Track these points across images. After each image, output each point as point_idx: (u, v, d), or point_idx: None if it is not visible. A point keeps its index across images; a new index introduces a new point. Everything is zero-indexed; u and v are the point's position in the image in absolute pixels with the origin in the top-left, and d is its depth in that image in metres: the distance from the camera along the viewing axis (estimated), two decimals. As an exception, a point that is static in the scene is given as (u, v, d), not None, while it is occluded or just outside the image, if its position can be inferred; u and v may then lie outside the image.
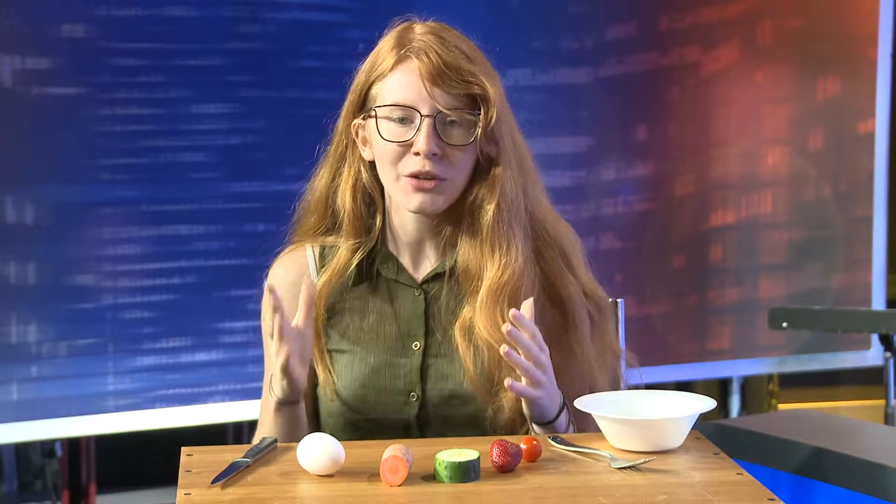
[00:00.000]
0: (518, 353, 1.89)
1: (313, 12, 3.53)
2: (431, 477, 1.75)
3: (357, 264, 2.10)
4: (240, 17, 3.47)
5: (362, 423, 2.07)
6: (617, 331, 2.27)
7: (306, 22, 3.52)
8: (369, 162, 2.09)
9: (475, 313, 2.03)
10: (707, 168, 3.97)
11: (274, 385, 1.98)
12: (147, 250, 3.44)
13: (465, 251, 2.06)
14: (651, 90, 3.89)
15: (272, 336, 1.91)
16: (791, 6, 4.00)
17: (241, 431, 3.91)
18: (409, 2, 3.18)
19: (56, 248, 3.35)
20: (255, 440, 2.01)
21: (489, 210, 2.03)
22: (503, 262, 2.02)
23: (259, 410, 2.11)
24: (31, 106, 3.31)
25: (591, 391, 2.04)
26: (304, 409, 2.03)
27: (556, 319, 2.07)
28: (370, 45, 2.10)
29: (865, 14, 4.07)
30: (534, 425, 2.00)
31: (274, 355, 1.94)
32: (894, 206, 4.25)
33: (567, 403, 2.00)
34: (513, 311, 1.89)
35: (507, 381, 1.89)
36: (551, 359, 1.97)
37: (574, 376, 2.06)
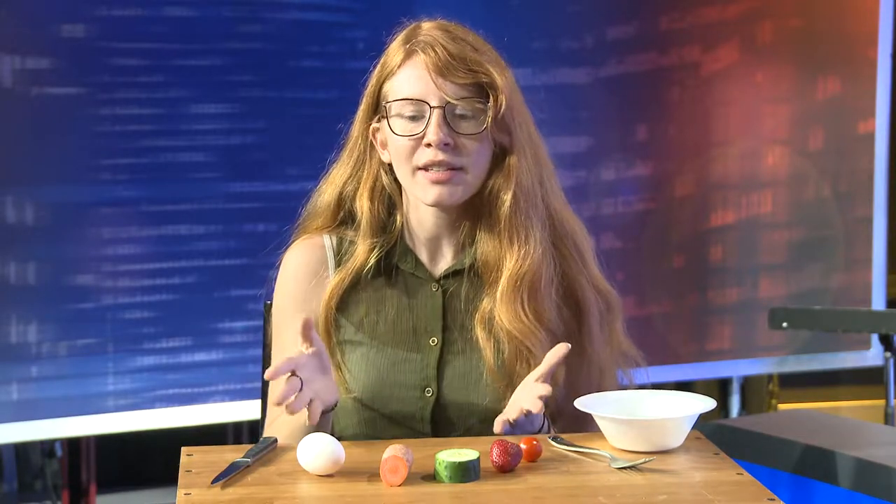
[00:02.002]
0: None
1: (313, 12, 3.53)
2: (431, 477, 1.75)
3: (374, 261, 2.10)
4: (240, 17, 3.47)
5: (376, 418, 2.06)
6: (624, 328, 2.26)
7: (306, 22, 3.52)
8: (388, 164, 2.09)
9: (496, 305, 2.03)
10: (707, 168, 3.97)
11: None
12: (147, 250, 3.44)
13: (484, 243, 2.06)
14: (651, 90, 3.89)
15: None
16: (791, 6, 4.00)
17: (241, 431, 3.91)
18: (408, 1, 3.18)
19: (56, 248, 3.35)
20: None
21: (506, 200, 2.04)
22: (522, 252, 2.03)
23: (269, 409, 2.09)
24: (31, 106, 3.31)
25: (599, 389, 2.04)
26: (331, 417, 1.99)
27: (571, 315, 2.08)
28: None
29: (865, 14, 4.07)
30: None
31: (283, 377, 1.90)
32: (894, 206, 4.25)
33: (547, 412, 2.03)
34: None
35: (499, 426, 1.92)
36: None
37: (583, 374, 2.06)
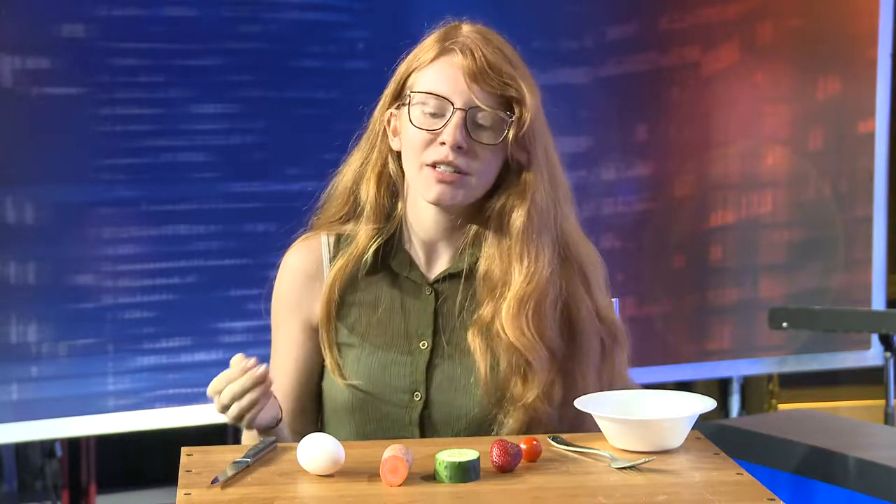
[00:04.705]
0: None
1: (313, 12, 3.53)
2: (431, 477, 1.75)
3: (373, 253, 2.10)
4: (240, 17, 3.47)
5: (366, 419, 2.06)
6: (628, 360, 2.17)
7: (306, 22, 3.52)
8: (397, 152, 2.09)
9: (501, 319, 2.01)
10: (707, 168, 3.97)
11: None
12: (147, 250, 3.44)
13: (491, 255, 2.05)
14: (651, 90, 3.89)
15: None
16: (791, 6, 4.00)
17: (240, 431, 3.90)
18: (408, 2, 3.18)
19: (56, 248, 3.35)
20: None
21: (520, 216, 2.03)
22: (531, 270, 2.02)
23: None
24: (31, 106, 3.31)
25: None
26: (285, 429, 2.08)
27: (566, 339, 2.06)
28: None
29: (865, 14, 4.07)
30: None
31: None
32: (894, 206, 4.25)
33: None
34: None
35: None
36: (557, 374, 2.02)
37: (570, 398, 2.03)
